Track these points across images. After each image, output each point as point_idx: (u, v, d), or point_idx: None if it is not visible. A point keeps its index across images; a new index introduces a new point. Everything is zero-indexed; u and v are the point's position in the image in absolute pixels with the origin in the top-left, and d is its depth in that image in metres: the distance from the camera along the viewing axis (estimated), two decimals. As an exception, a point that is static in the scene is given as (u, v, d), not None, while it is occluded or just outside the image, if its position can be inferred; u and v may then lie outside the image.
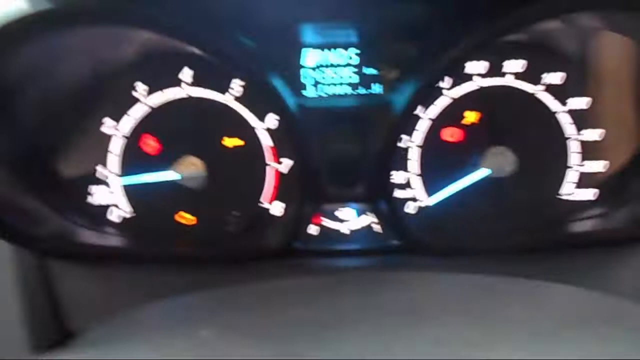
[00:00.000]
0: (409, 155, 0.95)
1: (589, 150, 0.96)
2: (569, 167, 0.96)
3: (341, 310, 0.50)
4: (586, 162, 0.96)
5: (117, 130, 0.94)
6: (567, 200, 0.97)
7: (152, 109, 0.94)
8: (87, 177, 0.96)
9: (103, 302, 0.87)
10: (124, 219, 0.98)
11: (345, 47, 0.93)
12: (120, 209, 0.97)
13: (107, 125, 0.94)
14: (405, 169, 0.96)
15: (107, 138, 0.95)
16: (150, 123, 0.94)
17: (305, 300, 0.55)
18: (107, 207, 0.97)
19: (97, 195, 0.97)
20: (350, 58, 0.93)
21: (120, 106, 0.94)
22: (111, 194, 0.97)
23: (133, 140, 0.95)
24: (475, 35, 0.76)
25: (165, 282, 0.88)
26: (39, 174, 0.92)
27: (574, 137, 0.95)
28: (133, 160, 0.96)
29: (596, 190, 0.97)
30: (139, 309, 0.62)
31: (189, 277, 0.89)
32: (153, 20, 0.76)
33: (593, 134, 0.95)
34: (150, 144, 0.95)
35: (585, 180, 0.97)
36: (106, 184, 0.96)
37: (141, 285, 0.89)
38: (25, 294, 0.85)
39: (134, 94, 0.93)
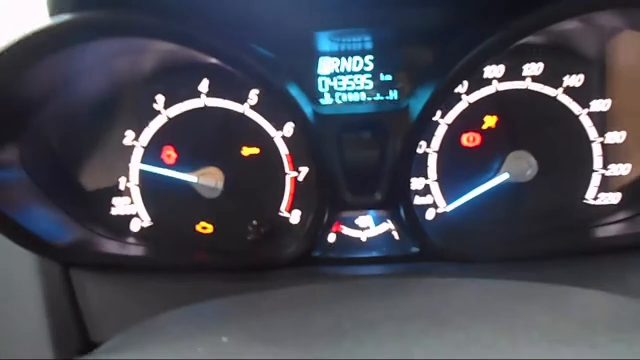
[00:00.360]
0: (428, 161, 0.95)
1: (612, 153, 0.94)
2: (594, 171, 0.94)
3: (361, 317, 0.50)
4: (610, 166, 0.94)
5: (138, 142, 0.96)
6: (591, 205, 0.95)
7: (171, 119, 0.95)
8: (109, 188, 0.98)
9: (125, 311, 0.88)
10: (144, 229, 0.99)
11: (361, 54, 0.93)
12: (141, 219, 0.99)
13: (128, 137, 0.96)
14: (424, 175, 0.95)
15: (128, 150, 0.97)
16: (169, 134, 0.96)
17: (324, 307, 0.55)
18: (128, 217, 0.99)
19: (119, 206, 0.98)
20: (366, 65, 0.93)
21: (140, 118, 0.96)
22: (132, 205, 0.98)
23: (153, 151, 0.96)
24: (491, 38, 0.75)
25: (185, 290, 0.89)
26: (62, 185, 0.94)
27: (597, 140, 0.93)
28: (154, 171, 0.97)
29: (620, 194, 0.95)
30: (160, 317, 0.62)
31: (208, 285, 0.89)
32: (170, 31, 0.78)
33: (615, 137, 0.93)
34: (169, 155, 0.97)
35: (609, 184, 0.95)
36: (127, 194, 0.98)
37: (162, 294, 0.90)
38: (50, 304, 0.86)
39: (154, 105, 0.95)
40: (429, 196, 0.96)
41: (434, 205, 0.96)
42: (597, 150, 0.94)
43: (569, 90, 0.92)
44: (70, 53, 0.78)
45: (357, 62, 0.94)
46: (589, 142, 0.94)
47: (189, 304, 0.64)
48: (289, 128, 0.93)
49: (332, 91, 0.95)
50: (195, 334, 0.54)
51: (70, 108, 0.91)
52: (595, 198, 0.95)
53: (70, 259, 0.89)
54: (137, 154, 0.97)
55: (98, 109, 0.95)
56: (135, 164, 0.97)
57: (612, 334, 0.45)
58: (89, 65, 0.88)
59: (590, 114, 0.92)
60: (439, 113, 0.92)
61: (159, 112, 0.95)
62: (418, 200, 0.96)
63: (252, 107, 0.94)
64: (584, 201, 0.95)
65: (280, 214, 0.97)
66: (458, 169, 0.95)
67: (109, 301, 0.88)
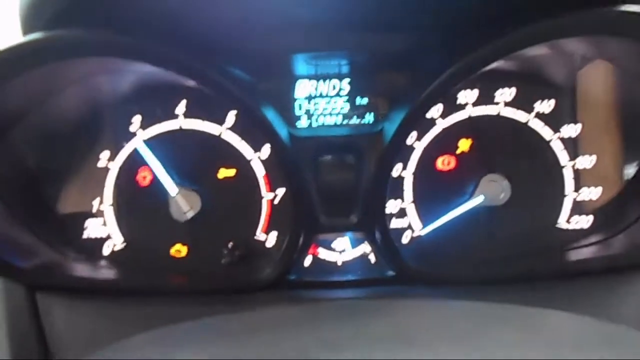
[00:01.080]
0: (404, 185, 0.95)
1: (583, 178, 0.95)
2: (566, 195, 0.96)
3: (327, 338, 0.49)
4: (581, 190, 0.96)
5: (113, 163, 0.95)
6: (564, 229, 0.96)
7: (146, 141, 0.95)
8: (82, 209, 0.96)
9: (93, 336, 0.85)
10: (117, 251, 0.97)
11: (338, 78, 0.94)
12: (114, 242, 0.97)
13: (103, 158, 0.95)
14: (400, 198, 0.96)
15: (103, 171, 0.95)
16: (145, 156, 0.95)
17: (291, 329, 0.54)
18: (100, 239, 0.97)
19: (91, 228, 0.97)
20: (342, 88, 0.95)
21: (116, 139, 0.95)
22: (105, 227, 0.97)
23: (128, 173, 0.95)
24: (459, 63, 0.77)
25: (157, 315, 0.87)
26: (33, 207, 0.93)
27: (568, 165, 0.95)
28: (128, 193, 0.96)
29: (592, 218, 0.96)
30: (125, 341, 0.60)
31: (181, 309, 0.87)
32: (148, 53, 0.78)
33: (586, 161, 0.95)
34: (145, 176, 0.96)
35: (580, 208, 0.96)
36: (101, 216, 0.96)
37: (133, 318, 0.87)
38: (11, 327, 0.83)
39: (130, 127, 0.94)
40: (405, 219, 0.96)
41: (410, 228, 0.96)
42: (568, 175, 0.95)
43: (540, 116, 0.94)
44: (45, 71, 0.78)
45: (334, 85, 0.95)
46: (560, 167, 0.95)
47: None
48: (265, 150, 0.93)
49: (308, 114, 0.96)
50: (159, 358, 0.53)
51: (44, 127, 0.91)
52: (568, 222, 0.96)
53: (37, 282, 0.87)
54: (112, 175, 0.96)
55: (73, 129, 0.94)
56: (110, 186, 0.96)
57: (578, 354, 0.45)
58: (64, 84, 0.88)
59: (561, 139, 0.94)
60: (414, 137, 0.93)
61: (135, 134, 0.95)
62: (394, 223, 0.96)
63: (229, 129, 0.94)
64: (557, 225, 0.96)
65: (256, 236, 0.96)
66: (433, 192, 0.95)
67: (76, 326, 0.86)
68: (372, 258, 0.96)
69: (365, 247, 0.96)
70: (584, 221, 0.96)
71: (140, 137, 0.94)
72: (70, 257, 0.93)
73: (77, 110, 0.94)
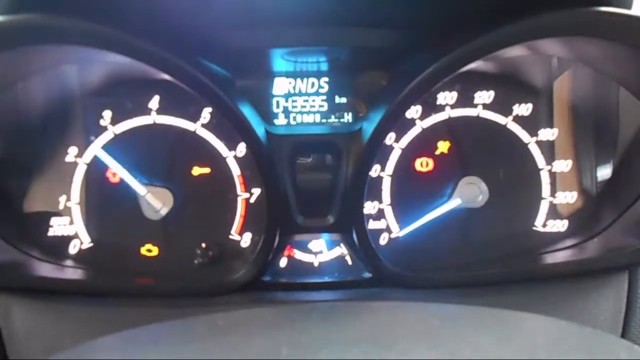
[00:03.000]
0: (382, 186, 0.94)
1: (560, 182, 0.96)
2: (543, 199, 0.96)
3: (301, 341, 0.47)
4: (557, 194, 0.96)
5: (81, 159, 0.91)
6: (540, 232, 0.97)
7: (117, 136, 0.91)
8: (47, 207, 0.92)
9: (54, 340, 0.81)
10: (84, 250, 0.93)
11: (316, 76, 0.93)
12: (80, 241, 0.93)
13: (71, 153, 0.91)
14: (378, 200, 0.95)
15: (70, 167, 0.91)
16: (115, 151, 0.91)
17: (263, 331, 0.52)
18: (66, 238, 0.93)
19: (57, 227, 0.93)
20: (322, 87, 0.93)
21: (85, 134, 0.91)
22: (71, 225, 0.93)
23: (97, 169, 0.92)
24: (437, 63, 0.77)
25: (125, 317, 0.84)
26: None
27: (545, 168, 0.95)
28: (97, 189, 0.92)
29: (568, 222, 0.96)
30: (88, 344, 0.57)
31: (150, 312, 0.84)
32: (123, 43, 0.75)
33: (562, 165, 0.95)
34: (115, 173, 0.92)
35: (557, 212, 0.97)
36: (67, 214, 0.92)
37: (98, 320, 0.84)
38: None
39: (101, 121, 0.91)
40: (382, 220, 0.95)
41: (388, 229, 0.95)
42: (545, 178, 0.96)
43: (518, 119, 0.94)
44: (10, 57, 0.74)
45: (313, 83, 0.93)
46: (537, 170, 0.96)
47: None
48: (241, 148, 0.91)
49: (286, 112, 0.94)
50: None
51: (7, 117, 0.86)
52: (544, 225, 0.96)
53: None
54: (80, 171, 0.92)
55: (39, 121, 0.90)
56: (77, 182, 0.92)
57: (552, 358, 0.44)
58: (30, 72, 0.84)
59: (538, 143, 0.95)
60: (393, 137, 0.92)
61: (105, 128, 0.91)
62: (372, 224, 0.95)
63: (204, 125, 0.91)
64: (534, 228, 0.97)
65: (231, 236, 0.94)
66: (411, 193, 0.95)
67: (37, 328, 0.82)
68: (348, 260, 0.95)
69: (342, 249, 0.94)
70: (560, 225, 0.96)
71: (111, 131, 0.91)
72: (33, 256, 0.89)
73: (43, 100, 0.90)
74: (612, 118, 0.93)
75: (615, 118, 0.92)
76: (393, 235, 0.95)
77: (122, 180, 0.92)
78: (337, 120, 0.94)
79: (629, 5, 0.75)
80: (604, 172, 0.95)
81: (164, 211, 0.90)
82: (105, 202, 0.93)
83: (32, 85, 0.86)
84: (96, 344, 0.56)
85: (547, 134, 0.95)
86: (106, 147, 0.91)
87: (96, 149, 0.91)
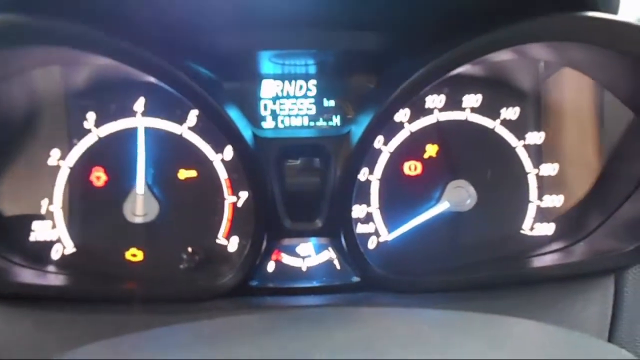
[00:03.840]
0: (370, 189, 0.94)
1: (547, 185, 0.96)
2: (530, 202, 0.96)
3: (290, 347, 0.46)
4: (544, 197, 0.97)
5: (64, 162, 0.89)
6: (528, 235, 0.97)
7: (102, 139, 0.90)
8: (29, 211, 0.90)
9: (36, 347, 0.79)
10: (66, 256, 0.91)
11: (304, 78, 0.92)
12: (63, 245, 0.91)
13: (54, 156, 0.89)
14: (367, 203, 0.94)
15: (53, 170, 0.90)
16: (99, 154, 0.90)
17: (252, 338, 0.51)
18: (49, 243, 0.91)
19: (39, 231, 0.90)
20: (309, 89, 0.93)
21: (68, 136, 0.90)
22: (54, 230, 0.91)
23: (81, 173, 0.90)
24: (426, 67, 0.76)
25: (109, 324, 0.82)
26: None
27: (532, 172, 0.96)
28: (80, 193, 0.90)
29: (555, 225, 0.97)
30: (70, 352, 0.56)
31: (135, 318, 0.83)
32: (108, 45, 0.74)
33: (549, 169, 0.96)
34: (99, 177, 0.91)
35: (544, 215, 0.97)
36: (50, 218, 0.90)
37: (82, 328, 0.82)
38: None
39: (84, 123, 0.89)
40: (371, 224, 0.95)
41: (376, 233, 0.95)
42: (532, 182, 0.96)
43: (505, 122, 0.94)
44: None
45: (301, 86, 0.93)
46: (525, 174, 0.96)
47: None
48: (228, 151, 0.90)
49: (274, 115, 0.93)
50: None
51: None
52: (532, 229, 0.97)
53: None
54: (63, 174, 0.90)
55: (21, 124, 0.88)
56: (60, 186, 0.90)
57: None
58: (13, 73, 0.82)
59: (525, 146, 0.95)
60: (381, 140, 0.92)
61: (89, 131, 0.89)
62: (360, 228, 0.94)
63: (190, 128, 0.90)
64: (521, 231, 0.97)
65: (218, 241, 0.93)
66: (400, 197, 0.94)
67: (18, 335, 0.79)
68: (337, 264, 0.94)
69: (330, 253, 0.94)
70: (547, 228, 0.97)
71: (95, 134, 0.89)
72: (14, 262, 0.87)
73: (26, 102, 0.88)
74: (598, 122, 0.94)
75: (602, 122, 0.93)
76: (381, 239, 0.95)
77: (106, 184, 0.90)
78: (325, 123, 0.94)
79: (615, 11, 0.76)
80: (591, 176, 0.96)
81: (146, 217, 0.89)
82: (89, 206, 0.91)
83: (14, 86, 0.84)
84: (80, 352, 0.55)
85: (534, 137, 0.95)
86: (90, 151, 0.89)
87: (80, 152, 0.89)
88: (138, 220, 0.89)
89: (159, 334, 0.57)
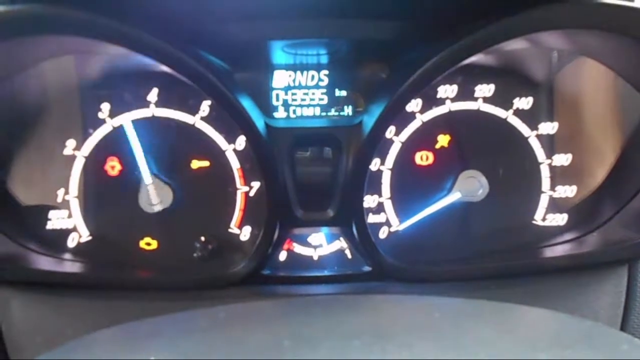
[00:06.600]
0: (382, 179, 0.94)
1: (560, 175, 0.96)
2: (543, 192, 0.96)
3: (301, 334, 0.47)
4: (557, 187, 0.96)
5: (79, 152, 0.91)
6: (540, 226, 0.96)
7: (116, 129, 0.91)
8: (46, 200, 0.92)
9: (54, 333, 0.81)
10: (82, 244, 0.93)
11: (316, 69, 0.92)
12: (79, 234, 0.93)
13: (69, 146, 0.91)
14: (378, 193, 0.94)
15: (69, 160, 0.91)
16: (113, 144, 0.91)
17: (264, 324, 0.51)
18: (65, 231, 0.92)
19: (55, 220, 0.92)
20: (321, 80, 0.93)
21: (83, 126, 0.91)
22: (70, 219, 0.92)
23: (95, 162, 0.91)
24: (438, 56, 0.76)
25: (124, 311, 0.84)
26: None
27: (545, 162, 0.95)
28: (95, 182, 0.92)
29: (568, 216, 0.96)
30: (89, 336, 0.57)
31: (149, 305, 0.84)
32: (122, 34, 0.74)
33: (562, 159, 0.95)
34: (113, 166, 0.92)
35: (556, 206, 0.96)
36: (66, 207, 0.92)
37: (97, 314, 0.84)
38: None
39: (99, 113, 0.90)
40: (382, 214, 0.95)
41: (387, 223, 0.95)
42: (545, 172, 0.95)
43: (518, 112, 0.93)
44: (5, 48, 0.73)
45: (313, 76, 0.93)
46: (537, 164, 0.95)
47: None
48: (240, 141, 0.91)
49: (286, 105, 0.93)
50: (125, 354, 0.50)
51: (4, 111, 0.86)
52: (544, 219, 0.96)
53: (-3, 275, 0.82)
54: (78, 164, 0.91)
55: (37, 114, 0.89)
56: (76, 175, 0.91)
57: (553, 350, 0.44)
58: (28, 63, 0.83)
59: (538, 136, 0.94)
60: (393, 130, 0.92)
61: (103, 121, 0.90)
62: (371, 218, 0.94)
63: (203, 118, 0.91)
64: (533, 222, 0.96)
65: (230, 230, 0.94)
66: (411, 187, 0.94)
67: (36, 322, 0.81)
68: (348, 253, 0.94)
69: (342, 243, 0.94)
70: (560, 218, 0.96)
71: (110, 124, 0.90)
72: (32, 249, 0.89)
73: (41, 92, 0.89)
74: (612, 111, 0.93)
75: (616, 111, 0.92)
76: (393, 229, 0.95)
77: (121, 173, 0.91)
78: (337, 113, 0.94)
79: (630, -3, 0.75)
80: (605, 166, 0.95)
81: (159, 207, 0.90)
82: (104, 195, 0.92)
83: (29, 76, 0.85)
84: (97, 336, 0.56)
85: (547, 127, 0.94)
86: (105, 140, 0.90)
87: (95, 142, 0.90)
88: (153, 209, 0.89)
89: (174, 319, 0.58)
